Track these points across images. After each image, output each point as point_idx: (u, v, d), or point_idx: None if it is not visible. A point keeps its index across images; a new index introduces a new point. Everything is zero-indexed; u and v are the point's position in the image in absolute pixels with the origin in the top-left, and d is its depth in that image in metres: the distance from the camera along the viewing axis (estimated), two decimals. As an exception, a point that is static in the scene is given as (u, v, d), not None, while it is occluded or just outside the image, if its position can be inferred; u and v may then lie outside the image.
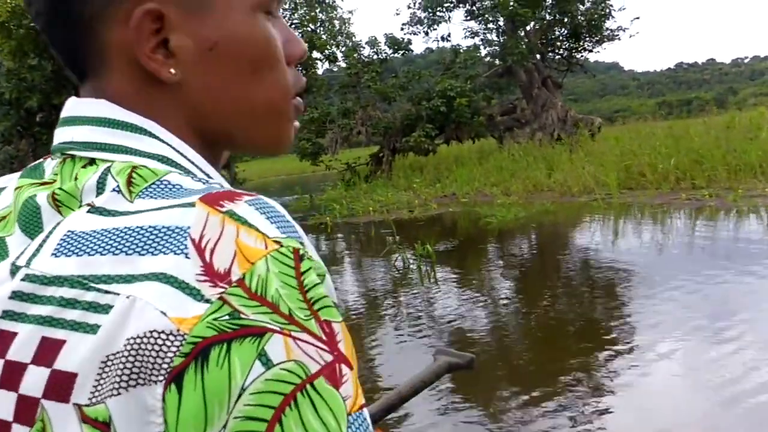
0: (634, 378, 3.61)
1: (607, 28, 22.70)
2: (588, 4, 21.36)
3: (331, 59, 23.42)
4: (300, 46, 0.55)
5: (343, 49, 23.71)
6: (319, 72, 27.84)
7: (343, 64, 23.75)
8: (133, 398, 0.36)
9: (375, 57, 21.39)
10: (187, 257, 0.39)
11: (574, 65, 24.25)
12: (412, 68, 21.59)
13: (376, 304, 5.70)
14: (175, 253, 0.39)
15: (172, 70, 0.48)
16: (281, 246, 0.40)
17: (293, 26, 26.43)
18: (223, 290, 0.38)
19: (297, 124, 0.57)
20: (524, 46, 19.97)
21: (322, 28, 24.81)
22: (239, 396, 0.36)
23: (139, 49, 0.47)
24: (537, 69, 21.36)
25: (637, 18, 26.12)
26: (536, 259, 7.03)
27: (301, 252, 0.40)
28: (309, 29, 24.82)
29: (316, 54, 26.68)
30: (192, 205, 0.41)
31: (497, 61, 22.31)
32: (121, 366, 0.37)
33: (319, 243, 10.19)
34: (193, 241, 0.39)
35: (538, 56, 21.59)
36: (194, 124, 0.51)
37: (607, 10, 21.61)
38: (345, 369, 0.39)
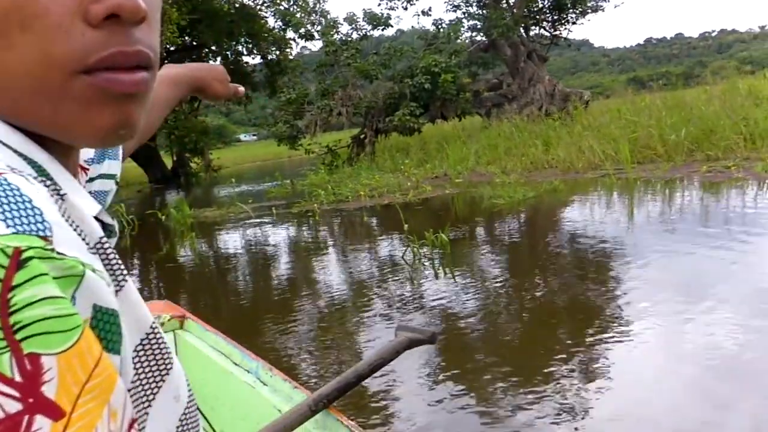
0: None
1: (592, -1, 21.99)
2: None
3: (308, 37, 22.30)
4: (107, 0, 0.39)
5: (318, 27, 22.66)
6: (294, 52, 26.76)
7: (319, 44, 22.77)
8: None
9: (354, 34, 20.34)
10: None
11: (558, 38, 23.51)
12: (393, 44, 20.55)
13: (384, 305, 4.82)
14: None
15: None
16: None
17: (265, 4, 25.27)
18: None
19: (132, 110, 0.43)
20: (508, 19, 19.12)
21: (296, 6, 23.67)
22: None
23: None
24: (522, 42, 20.58)
25: (621, -13, 25.11)
26: (562, 246, 6.18)
27: (29, 254, 0.31)
28: (282, 7, 23.68)
29: (290, 33, 25.60)
30: None
31: (479, 36, 21.51)
32: None
33: (304, 232, 9.27)
34: None
35: (521, 30, 20.81)
36: None
37: (591, -21, 20.81)
38: (41, 421, 0.29)
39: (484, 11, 20.35)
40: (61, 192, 0.39)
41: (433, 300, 4.70)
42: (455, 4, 21.00)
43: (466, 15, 20.61)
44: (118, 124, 0.42)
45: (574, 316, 4.04)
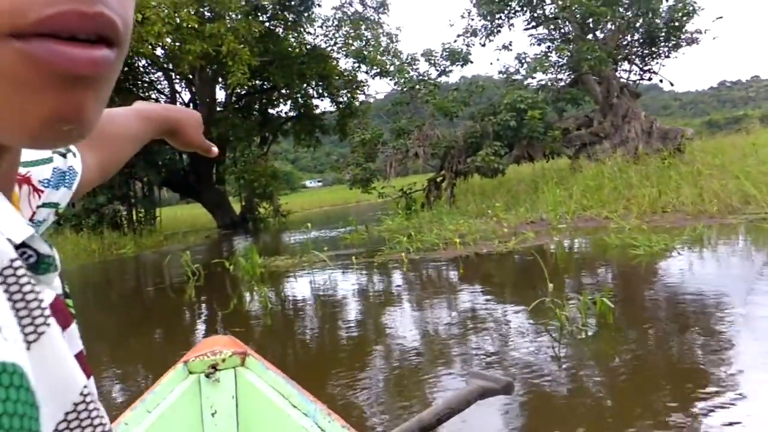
0: None
1: (686, 30, 20.29)
2: (671, 1, 18.87)
3: (382, 74, 21.40)
4: None
5: (392, 68, 21.78)
6: (364, 96, 26.06)
7: (389, 88, 21.88)
8: None
9: (432, 70, 19.22)
10: None
11: (649, 73, 21.79)
12: (474, 80, 19.35)
13: (539, 399, 3.32)
14: None
15: None
16: None
17: (336, 45, 24.66)
18: None
19: (84, 99, 0.30)
20: (600, 51, 17.61)
21: (368, 47, 22.90)
22: None
23: None
24: (613, 77, 19.02)
25: (720, 17, 23.32)
26: (752, 313, 4.52)
27: None
28: (354, 47, 22.98)
29: (362, 75, 24.81)
30: None
31: (561, 72, 20.10)
32: None
33: (394, 287, 7.84)
34: None
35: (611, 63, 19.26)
36: None
37: (691, 8, 19.10)
38: None
39: (571, 45, 18.94)
40: None
41: (601, 392, 3.16)
42: (540, 38, 19.68)
43: (553, 49, 19.21)
44: (61, 117, 0.30)
45: None
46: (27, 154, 0.59)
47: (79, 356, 0.36)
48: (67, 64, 0.27)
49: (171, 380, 1.92)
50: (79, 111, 0.29)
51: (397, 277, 8.20)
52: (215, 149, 0.93)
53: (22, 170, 0.57)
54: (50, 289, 0.35)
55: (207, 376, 1.93)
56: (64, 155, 0.64)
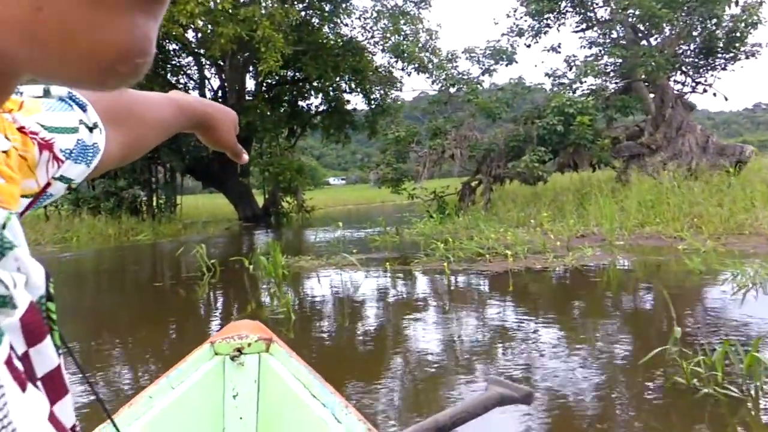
0: None
1: (746, 42, 18.98)
2: (737, 9, 17.54)
3: (420, 70, 20.41)
4: None
5: (429, 65, 20.77)
6: (397, 92, 25.12)
7: (427, 83, 20.91)
8: None
9: (474, 68, 18.15)
10: None
11: (702, 85, 20.47)
12: (520, 82, 18.24)
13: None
14: None
15: None
16: None
17: (373, 39, 23.72)
18: None
19: (153, 30, 0.24)
20: (659, 57, 16.39)
21: (407, 42, 21.89)
22: None
23: None
24: (668, 86, 17.81)
25: (784, 30, 21.83)
26: None
27: None
28: (392, 41, 21.98)
29: (398, 72, 23.82)
30: None
31: (607, 80, 18.92)
32: None
33: (446, 305, 6.79)
34: None
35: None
36: None
37: (755, 18, 17.77)
38: None
39: (623, 51, 17.75)
40: None
41: None
42: (592, 41, 18.50)
43: (606, 52, 18.02)
44: (135, 47, 0.23)
45: None
46: (53, 119, 0.53)
47: (51, 375, 0.33)
48: None
49: (196, 359, 1.91)
50: (150, 41, 0.24)
51: (441, 291, 7.16)
52: (245, 156, 0.89)
53: (46, 135, 0.52)
54: (26, 292, 0.31)
55: (232, 358, 1.93)
56: (90, 129, 0.58)
